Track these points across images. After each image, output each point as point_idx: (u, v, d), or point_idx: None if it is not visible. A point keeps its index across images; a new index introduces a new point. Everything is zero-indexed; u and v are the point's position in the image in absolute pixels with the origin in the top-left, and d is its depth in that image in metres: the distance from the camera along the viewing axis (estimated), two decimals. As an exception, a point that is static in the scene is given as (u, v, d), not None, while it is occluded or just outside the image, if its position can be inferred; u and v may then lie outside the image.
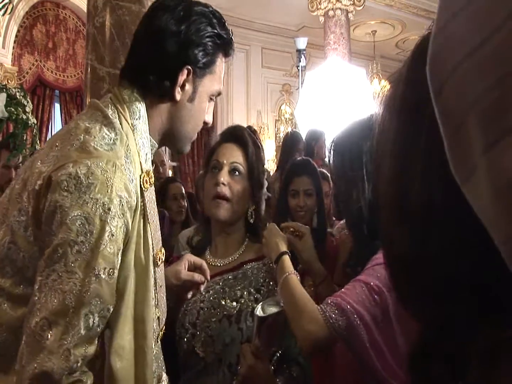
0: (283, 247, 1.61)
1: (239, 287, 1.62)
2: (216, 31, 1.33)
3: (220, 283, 1.64)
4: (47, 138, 8.71)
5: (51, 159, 1.17)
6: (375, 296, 1.22)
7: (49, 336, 1.06)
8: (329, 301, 1.27)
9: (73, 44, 9.11)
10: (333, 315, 1.23)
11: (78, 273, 1.08)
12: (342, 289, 1.30)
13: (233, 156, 1.67)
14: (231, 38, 1.39)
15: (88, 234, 1.09)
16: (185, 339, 1.58)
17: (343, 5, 8.79)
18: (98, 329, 1.12)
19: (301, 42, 7.69)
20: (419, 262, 0.44)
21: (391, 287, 0.49)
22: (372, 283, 1.23)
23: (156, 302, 1.32)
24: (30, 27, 8.57)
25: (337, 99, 6.13)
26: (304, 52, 7.73)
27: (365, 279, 1.26)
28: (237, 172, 1.66)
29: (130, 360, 1.24)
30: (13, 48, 8.26)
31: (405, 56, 0.53)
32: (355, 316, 1.21)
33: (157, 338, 1.34)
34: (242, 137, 1.71)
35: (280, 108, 11.32)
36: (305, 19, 10.07)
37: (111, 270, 1.12)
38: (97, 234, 1.09)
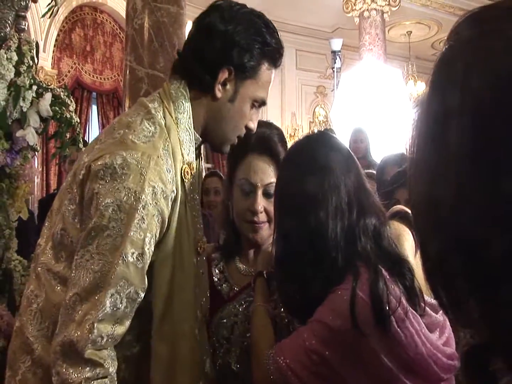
0: (262, 265, 1.49)
1: (273, 298, 1.46)
2: (263, 38, 1.33)
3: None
4: (85, 139, 8.88)
5: (95, 151, 1.25)
6: (313, 356, 1.18)
7: (79, 310, 1.14)
8: (271, 353, 1.24)
9: (110, 47, 9.27)
10: (272, 369, 1.23)
11: (107, 256, 1.16)
12: (286, 340, 1.27)
13: (266, 175, 1.46)
14: (280, 49, 1.38)
15: (119, 221, 1.17)
16: (220, 353, 1.48)
17: (378, 6, 8.69)
18: (127, 311, 1.18)
19: (336, 44, 7.67)
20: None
21: None
22: (307, 343, 1.19)
23: (197, 289, 1.35)
24: (69, 31, 8.75)
25: (373, 100, 6.09)
26: (339, 53, 7.69)
27: (306, 336, 1.21)
28: (272, 195, 1.43)
29: (174, 345, 1.29)
30: (53, 52, 8.45)
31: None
32: (290, 373, 1.19)
33: (200, 323, 1.38)
34: (275, 149, 1.49)
35: (314, 110, 11.28)
36: (340, 21, 10.00)
37: (140, 255, 1.18)
38: (127, 221, 1.17)
